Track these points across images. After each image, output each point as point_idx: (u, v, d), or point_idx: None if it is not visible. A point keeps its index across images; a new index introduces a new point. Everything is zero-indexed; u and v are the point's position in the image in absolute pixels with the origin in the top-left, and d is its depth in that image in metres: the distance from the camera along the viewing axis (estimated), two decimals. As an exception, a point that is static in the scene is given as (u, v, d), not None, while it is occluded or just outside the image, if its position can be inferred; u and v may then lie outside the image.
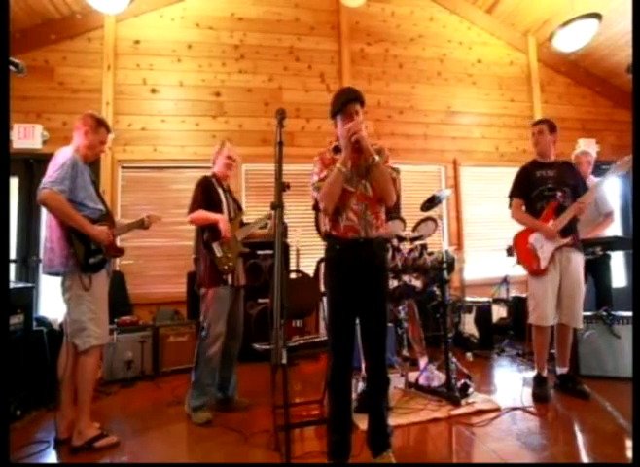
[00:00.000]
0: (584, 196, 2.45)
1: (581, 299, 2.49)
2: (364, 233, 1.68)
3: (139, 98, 4.02)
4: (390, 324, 3.00)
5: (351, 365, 1.70)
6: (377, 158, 1.66)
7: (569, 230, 2.47)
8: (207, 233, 2.39)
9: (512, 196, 2.69)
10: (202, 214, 2.38)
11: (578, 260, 2.51)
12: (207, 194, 2.44)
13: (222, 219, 2.37)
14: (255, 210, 4.05)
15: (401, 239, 2.75)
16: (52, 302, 3.42)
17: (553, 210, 2.47)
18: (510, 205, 2.69)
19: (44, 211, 2.07)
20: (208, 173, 2.57)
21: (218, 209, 2.44)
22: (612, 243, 3.06)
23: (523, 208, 2.64)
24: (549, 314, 2.44)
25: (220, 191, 2.51)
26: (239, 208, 2.68)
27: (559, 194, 2.49)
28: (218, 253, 2.36)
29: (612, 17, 4.07)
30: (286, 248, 3.64)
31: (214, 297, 2.35)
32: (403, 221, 2.93)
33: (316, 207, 1.75)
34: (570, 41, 3.92)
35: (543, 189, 2.52)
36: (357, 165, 1.72)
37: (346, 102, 1.73)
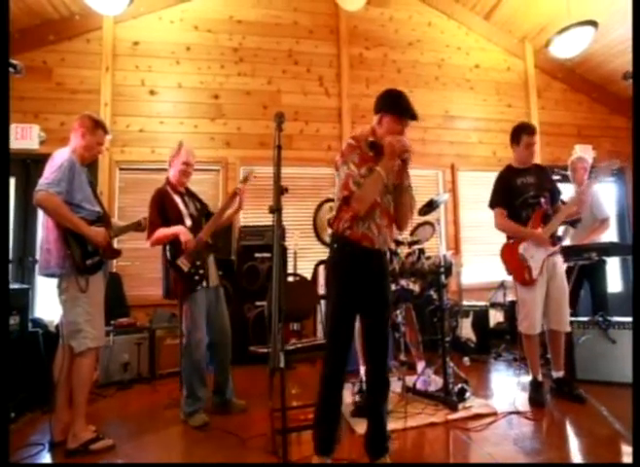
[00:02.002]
0: (570, 201, 2.47)
1: (567, 303, 2.49)
2: (378, 246, 1.68)
3: (138, 100, 4.02)
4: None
5: (346, 364, 1.71)
6: (411, 184, 1.69)
7: (556, 236, 2.50)
8: (169, 251, 2.32)
9: (493, 205, 2.61)
10: (161, 234, 2.30)
11: (561, 264, 2.53)
12: (162, 210, 2.35)
13: (180, 231, 2.28)
14: (252, 213, 4.06)
15: (399, 243, 2.76)
16: (48, 303, 3.40)
17: (540, 218, 2.46)
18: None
19: (41, 212, 2.06)
20: (162, 181, 2.49)
21: (179, 218, 2.36)
22: (608, 249, 3.08)
23: (506, 217, 2.60)
24: (537, 322, 2.45)
25: (177, 199, 2.41)
26: (203, 207, 2.57)
27: (543, 200, 2.48)
28: (185, 268, 2.29)
29: (608, 25, 4.12)
30: (284, 251, 3.64)
31: (189, 305, 2.30)
32: (401, 225, 2.94)
33: (347, 201, 1.63)
34: (566, 48, 3.96)
35: (527, 197, 2.49)
36: (388, 176, 1.67)
37: (409, 117, 1.69)
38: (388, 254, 2.58)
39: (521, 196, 2.50)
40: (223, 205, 2.53)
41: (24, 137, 3.68)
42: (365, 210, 1.62)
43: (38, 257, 2.04)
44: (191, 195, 2.56)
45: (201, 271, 2.33)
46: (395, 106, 1.69)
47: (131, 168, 3.96)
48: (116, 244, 2.67)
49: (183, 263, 2.29)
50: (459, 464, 1.84)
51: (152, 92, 4.06)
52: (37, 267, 2.05)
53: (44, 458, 1.94)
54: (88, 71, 3.91)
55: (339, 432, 1.71)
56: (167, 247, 2.34)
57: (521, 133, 2.56)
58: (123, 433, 2.19)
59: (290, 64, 4.39)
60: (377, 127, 1.72)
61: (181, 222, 2.35)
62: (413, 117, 1.69)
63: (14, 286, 2.68)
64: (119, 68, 4.00)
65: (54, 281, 2.01)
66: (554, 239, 2.49)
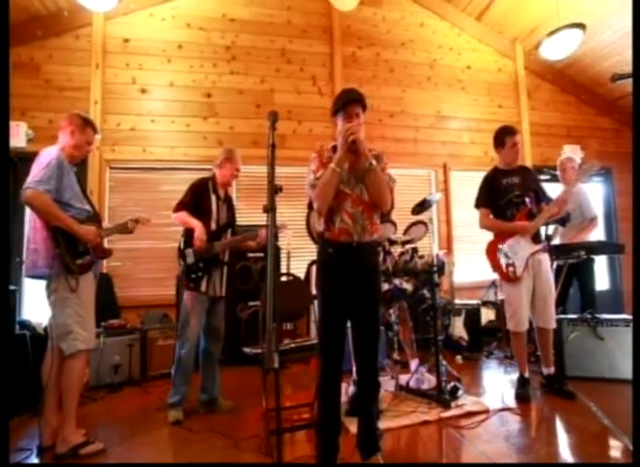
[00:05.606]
0: (553, 201, 2.50)
1: (553, 301, 2.54)
2: (357, 237, 1.66)
3: (128, 98, 3.96)
4: (381, 327, 3.01)
5: (341, 368, 1.69)
6: (374, 163, 1.65)
7: (539, 236, 2.53)
8: (183, 239, 2.42)
9: (478, 205, 2.67)
10: (183, 217, 2.41)
11: (547, 262, 2.56)
12: (197, 197, 2.44)
13: (198, 226, 2.35)
14: (246, 213, 4.03)
15: (392, 243, 2.77)
16: (35, 305, 3.33)
17: (525, 216, 2.52)
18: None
19: (27, 212, 2.02)
20: (207, 175, 2.55)
21: (207, 215, 2.42)
22: (596, 247, 3.13)
23: (490, 216, 2.65)
24: (525, 320, 2.50)
25: (213, 197, 2.48)
26: (232, 218, 2.62)
27: (527, 200, 2.53)
28: (189, 260, 2.38)
29: (596, 28, 4.19)
30: (277, 251, 3.62)
31: (186, 300, 2.40)
32: (394, 224, 2.95)
33: (310, 206, 1.74)
34: (556, 50, 4.01)
35: (511, 196, 2.55)
36: (354, 168, 1.69)
37: (348, 102, 1.71)
38: (382, 255, 2.62)
39: (506, 195, 2.56)
40: (244, 236, 2.55)
41: (11, 135, 3.60)
42: (325, 206, 1.66)
43: (24, 258, 2.00)
44: (228, 203, 2.60)
45: (200, 274, 2.37)
46: (337, 104, 1.74)
47: (122, 167, 3.90)
48: (106, 244, 2.63)
49: (189, 254, 2.38)
50: (452, 464, 1.85)
51: (143, 91, 4.01)
52: (24, 268, 2.01)
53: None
54: (78, 68, 3.84)
55: (340, 440, 1.68)
56: (183, 237, 2.43)
57: (505, 136, 2.61)
58: (113, 436, 2.16)
59: (283, 63, 4.37)
60: (335, 131, 1.79)
61: (206, 221, 2.40)
62: (353, 100, 1.71)
63: (1, 287, 2.62)
64: (109, 65, 3.93)
65: (43, 283, 1.97)
66: (539, 238, 2.53)
